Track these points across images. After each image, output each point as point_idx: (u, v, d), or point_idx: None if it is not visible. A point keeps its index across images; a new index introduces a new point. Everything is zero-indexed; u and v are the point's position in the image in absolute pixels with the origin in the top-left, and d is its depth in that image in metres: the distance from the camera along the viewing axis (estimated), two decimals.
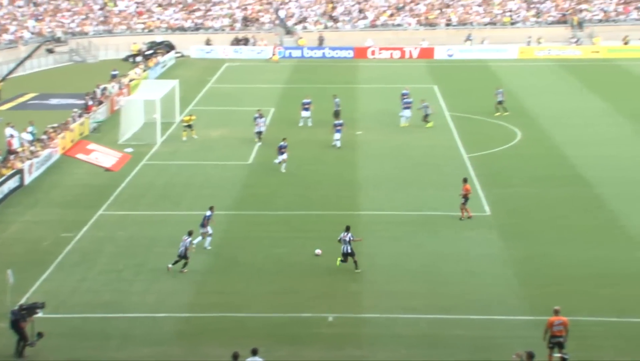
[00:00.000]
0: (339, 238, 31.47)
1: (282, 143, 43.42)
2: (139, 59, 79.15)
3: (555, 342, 24.65)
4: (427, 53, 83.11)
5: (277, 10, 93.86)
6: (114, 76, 66.82)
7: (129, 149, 48.01)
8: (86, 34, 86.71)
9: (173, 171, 44.62)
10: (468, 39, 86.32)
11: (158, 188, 41.66)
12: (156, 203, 39.48)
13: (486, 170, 44.11)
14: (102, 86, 59.87)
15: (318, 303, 28.90)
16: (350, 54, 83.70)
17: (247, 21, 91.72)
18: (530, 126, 53.65)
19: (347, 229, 31.49)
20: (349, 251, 31.17)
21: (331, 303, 28.88)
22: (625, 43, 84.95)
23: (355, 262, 31.32)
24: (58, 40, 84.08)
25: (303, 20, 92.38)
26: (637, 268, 31.74)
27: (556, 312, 24.87)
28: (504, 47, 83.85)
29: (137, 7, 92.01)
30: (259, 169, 45.00)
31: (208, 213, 33.77)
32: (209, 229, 33.48)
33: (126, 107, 52.33)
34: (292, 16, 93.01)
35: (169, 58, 79.55)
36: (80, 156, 46.93)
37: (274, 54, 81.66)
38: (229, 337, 26.53)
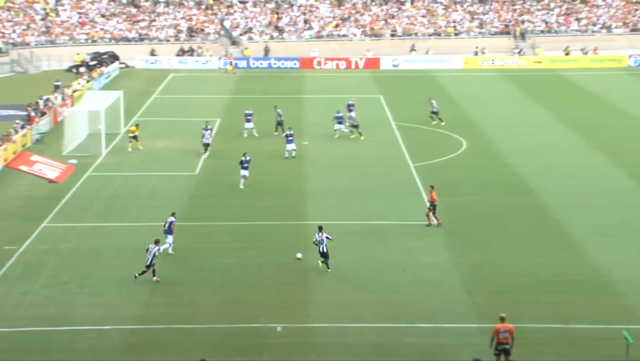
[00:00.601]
0: (314, 240, 32.30)
1: (243, 158, 42.00)
2: (82, 69, 78.30)
3: (502, 349, 24.97)
4: (372, 63, 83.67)
5: (222, 20, 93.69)
6: (57, 87, 66.03)
7: (73, 161, 47.43)
8: (28, 44, 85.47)
9: (118, 183, 44.21)
10: (412, 49, 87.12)
11: (103, 200, 41.25)
12: (101, 214, 39.06)
13: (433, 179, 44.24)
14: (45, 97, 59.12)
15: (266, 313, 28.84)
16: (296, 64, 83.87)
17: (192, 32, 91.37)
18: (476, 136, 54.31)
19: (320, 229, 32.28)
20: (326, 250, 31.98)
21: (279, 313, 28.85)
22: (567, 54, 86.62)
23: (327, 264, 32.08)
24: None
25: (248, 30, 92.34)
26: (581, 276, 32.31)
27: (502, 319, 25.19)
28: (448, 58, 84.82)
29: (80, 17, 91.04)
30: (205, 180, 44.80)
31: (172, 218, 33.88)
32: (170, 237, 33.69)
33: (70, 118, 51.74)
34: (237, 27, 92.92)
35: (113, 69, 78.82)
36: (23, 167, 46.16)
37: (230, 65, 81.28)
38: (177, 349, 26.33)
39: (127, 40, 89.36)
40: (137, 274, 31.30)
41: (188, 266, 32.83)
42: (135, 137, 50.90)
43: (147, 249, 31.24)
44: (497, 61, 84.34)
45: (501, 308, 27.59)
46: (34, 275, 31.94)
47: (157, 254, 31.10)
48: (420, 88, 73.23)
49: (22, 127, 51.76)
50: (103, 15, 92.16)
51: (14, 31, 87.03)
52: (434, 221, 37.01)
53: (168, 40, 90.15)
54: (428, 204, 37.30)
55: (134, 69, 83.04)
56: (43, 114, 56.11)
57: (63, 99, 60.66)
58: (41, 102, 58.19)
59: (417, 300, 30.01)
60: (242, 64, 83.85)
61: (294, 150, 48.15)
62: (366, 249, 34.66)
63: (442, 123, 56.65)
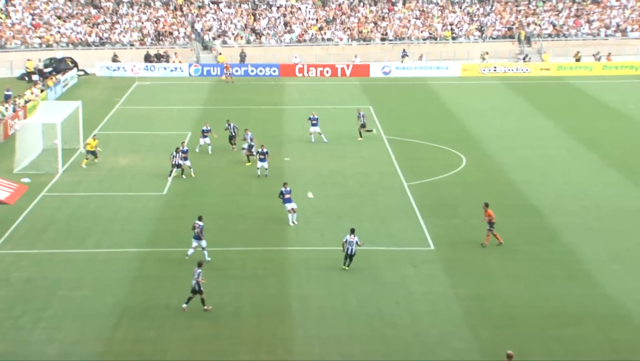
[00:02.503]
0: (343, 240, 34.94)
1: (284, 189, 40.99)
2: (35, 77, 78.22)
3: None
4: (360, 70, 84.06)
5: (192, 23, 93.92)
6: (7, 97, 65.90)
7: (26, 180, 47.31)
8: None
9: (77, 204, 44.14)
10: (405, 55, 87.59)
11: (60, 223, 41.15)
12: (58, 239, 38.97)
13: (428, 200, 44.68)
14: None
15: (243, 350, 28.82)
16: (275, 71, 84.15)
17: (159, 35, 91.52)
18: (476, 151, 54.62)
19: (352, 231, 35.14)
20: (353, 252, 34.83)
21: (258, 350, 28.85)
22: (577, 60, 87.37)
23: (351, 261, 35.00)
24: None
25: (222, 34, 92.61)
26: (595, 307, 32.47)
27: (509, 357, 25.26)
28: (445, 64, 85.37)
29: (33, 19, 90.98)
30: (175, 201, 44.81)
31: (201, 223, 35.76)
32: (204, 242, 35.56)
33: (22, 132, 51.62)
34: (209, 30, 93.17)
35: (70, 76, 78.79)
36: None
37: (225, 74, 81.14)
38: None
39: (86, 44, 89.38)
40: (184, 305, 31.35)
41: (157, 297, 32.76)
42: (93, 153, 50.93)
43: (193, 275, 31.47)
44: (499, 67, 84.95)
45: (506, 343, 27.67)
46: None
47: (200, 278, 31.19)
48: (414, 98, 73.62)
49: None
50: (59, 17, 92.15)
51: None
52: (496, 241, 37.82)
53: (132, 45, 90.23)
54: (487, 224, 37.95)
55: (94, 77, 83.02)
56: None
57: (14, 111, 60.54)
58: None
59: (413, 335, 30.07)
60: (215, 71, 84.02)
61: (266, 169, 48.21)
62: (355, 277, 34.71)
63: (360, 139, 57.04)
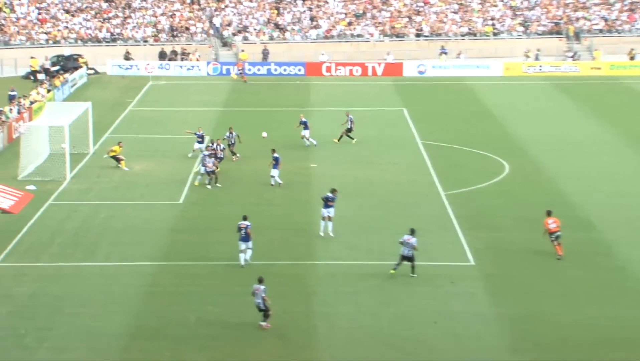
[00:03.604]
0: (401, 240, 35.55)
1: (330, 194, 40.69)
2: (42, 76, 78.73)
3: None
4: (393, 69, 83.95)
5: (211, 17, 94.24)
6: (11, 98, 66.37)
7: (31, 187, 47.55)
8: None
9: (86, 213, 44.29)
10: (442, 52, 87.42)
11: (68, 234, 41.29)
12: (65, 252, 39.09)
13: (468, 210, 44.48)
14: None
15: None
16: (301, 70, 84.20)
17: (174, 31, 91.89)
18: (520, 158, 54.37)
19: (412, 232, 35.92)
20: (410, 255, 35.41)
21: None
22: (631, 58, 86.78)
23: (413, 267, 35.67)
24: None
25: (243, 29, 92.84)
26: None
27: None
28: (485, 63, 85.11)
29: (40, 13, 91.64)
30: (191, 210, 44.88)
31: (247, 223, 36.73)
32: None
33: (27, 136, 51.92)
34: (229, 25, 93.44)
35: (79, 75, 79.25)
36: None
37: (240, 72, 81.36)
38: None
39: (96, 41, 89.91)
40: (263, 323, 31.45)
41: (170, 315, 32.77)
42: (117, 159, 51.23)
43: (253, 293, 31.45)
44: (545, 66, 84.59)
45: None
46: None
47: (264, 295, 31.29)
48: (452, 99, 73.45)
49: None
50: (67, 11, 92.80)
51: None
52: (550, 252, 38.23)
53: (146, 42, 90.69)
54: (552, 236, 38.19)
55: (105, 76, 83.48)
56: None
57: (19, 112, 60.93)
58: None
59: (451, 359, 29.83)
60: (236, 69, 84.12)
61: (273, 177, 48.06)
62: (387, 295, 34.57)
63: (336, 140, 57.24)
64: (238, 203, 45.65)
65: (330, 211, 40.46)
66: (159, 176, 50.35)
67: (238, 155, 52.70)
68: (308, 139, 56.43)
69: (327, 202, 40.43)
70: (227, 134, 52.91)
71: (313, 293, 34.65)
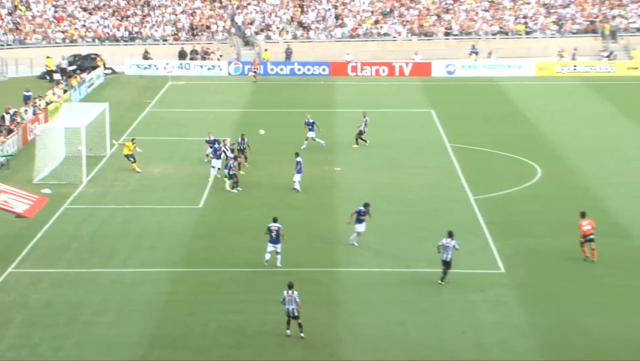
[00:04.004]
0: (439, 244, 35.69)
1: (363, 208, 40.21)
2: (57, 76, 79.13)
3: None
4: (421, 69, 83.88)
5: (232, 16, 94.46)
6: (27, 98, 66.71)
7: (47, 190, 47.78)
8: None
9: (103, 218, 44.48)
10: (473, 52, 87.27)
11: (84, 239, 41.48)
12: (81, 258, 39.25)
13: (498, 216, 44.37)
14: (11, 111, 59.72)
15: None
16: (325, 70, 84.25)
17: (195, 30, 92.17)
18: (553, 161, 54.20)
19: (451, 235, 35.80)
20: (449, 260, 35.59)
21: None
22: None
23: (445, 274, 35.79)
24: None
25: (266, 28, 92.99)
26: None
27: None
28: (517, 62, 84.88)
29: (56, 11, 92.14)
30: (211, 215, 44.97)
31: (278, 225, 37.13)
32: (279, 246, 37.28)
33: (42, 138, 52.16)
34: (251, 23, 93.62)
35: (96, 75, 79.60)
36: None
37: (254, 71, 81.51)
38: None
39: (114, 39, 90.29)
40: (302, 334, 31.33)
41: (191, 324, 32.84)
42: (132, 157, 51.46)
43: (284, 299, 31.45)
44: (579, 66, 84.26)
45: None
46: None
47: (299, 300, 31.31)
48: (483, 100, 73.29)
49: None
50: (84, 9, 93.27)
51: None
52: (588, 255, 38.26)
53: (165, 40, 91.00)
54: (584, 238, 38.24)
55: (123, 76, 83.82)
56: (9, 131, 56.68)
57: (34, 114, 61.24)
58: (7, 117, 58.79)
59: None
60: (259, 69, 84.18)
61: (294, 182, 48.05)
62: (415, 303, 34.54)
63: (355, 146, 57.15)
64: (259, 207, 45.68)
65: (363, 227, 40.04)
66: (177, 180, 50.48)
67: (246, 163, 52.02)
68: (314, 140, 56.26)
69: (360, 216, 39.94)
70: (239, 139, 52.57)
71: (338, 301, 34.64)
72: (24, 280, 36.78)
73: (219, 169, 49.94)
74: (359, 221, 39.99)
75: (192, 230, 42.77)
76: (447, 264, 35.82)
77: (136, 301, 34.57)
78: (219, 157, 49.90)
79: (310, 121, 56.69)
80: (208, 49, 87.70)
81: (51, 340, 31.65)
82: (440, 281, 35.89)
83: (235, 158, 48.39)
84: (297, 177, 47.98)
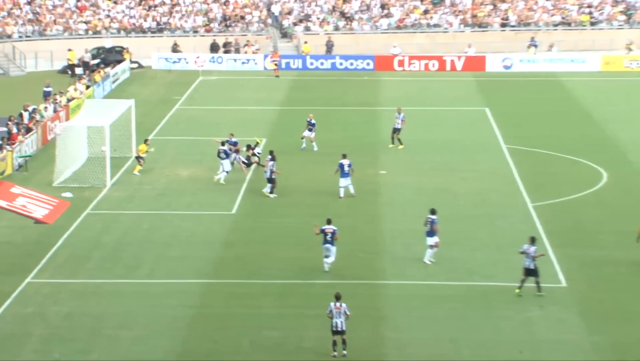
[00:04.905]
0: (521, 250, 35.94)
1: (431, 216, 39.55)
2: (80, 71, 79.63)
3: None
4: (475, 64, 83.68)
5: (269, 5, 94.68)
6: (46, 94, 67.14)
7: (68, 194, 48.10)
8: (9, 36, 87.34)
9: (128, 224, 44.73)
10: (532, 44, 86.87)
11: (107, 247, 41.73)
12: (104, 267, 39.49)
13: (559, 225, 44.15)
14: (30, 108, 60.16)
15: None
16: (369, 64, 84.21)
17: (228, 20, 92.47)
18: (620, 164, 53.97)
19: (533, 240, 36.21)
20: (534, 268, 35.69)
21: None
22: None
23: (537, 283, 35.82)
24: None
25: (305, 18, 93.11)
26: None
27: None
28: (581, 56, 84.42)
29: (78, 0, 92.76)
30: (244, 222, 45.10)
31: (333, 227, 37.90)
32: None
33: (63, 137, 52.48)
34: (289, 13, 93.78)
35: (121, 70, 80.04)
36: (0, 202, 46.94)
37: (275, 65, 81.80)
38: None
39: (140, 31, 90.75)
40: (344, 352, 31.27)
41: (222, 340, 32.93)
42: (141, 160, 52.01)
43: (330, 311, 31.42)
44: None
45: None
46: (14, 349, 32.32)
47: (347, 312, 31.37)
48: (542, 98, 72.94)
49: (0, 148, 52.75)
50: None
51: None
52: None
53: (196, 32, 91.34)
54: None
55: (150, 70, 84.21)
56: (28, 130, 57.12)
57: (55, 111, 61.66)
58: (26, 115, 59.24)
59: None
60: (297, 63, 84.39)
61: (349, 185, 48.03)
62: (467, 320, 34.44)
63: (401, 147, 56.83)
64: (297, 214, 45.76)
65: (436, 239, 39.36)
66: (208, 183, 50.60)
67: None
68: (311, 142, 56.30)
69: (433, 226, 39.33)
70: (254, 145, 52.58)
71: (383, 316, 34.62)
72: (43, 291, 37.06)
73: (227, 172, 50.05)
74: (432, 233, 39.36)
75: (224, 238, 42.89)
76: (530, 273, 35.92)
77: (163, 315, 34.71)
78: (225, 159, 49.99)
79: (312, 121, 56.68)
80: (248, 41, 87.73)
81: (72, 355, 31.86)
82: (517, 291, 35.93)
83: (273, 158, 48.28)
84: (342, 182, 47.82)
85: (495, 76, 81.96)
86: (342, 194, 47.93)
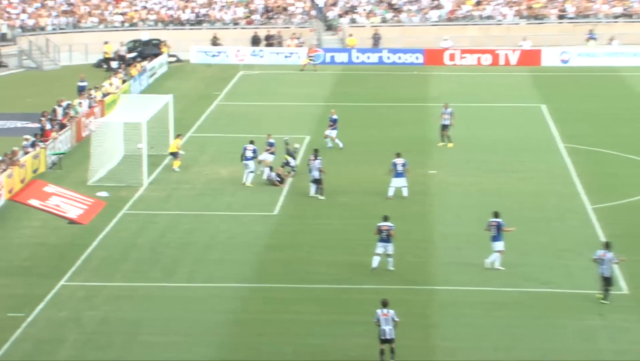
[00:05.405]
0: (594, 257, 35.72)
1: (497, 221, 39.19)
2: (115, 64, 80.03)
3: None
4: (530, 58, 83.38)
5: None
6: (81, 89, 67.54)
7: (103, 193, 48.34)
8: (42, 29, 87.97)
9: (165, 225, 44.88)
10: (591, 37, 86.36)
11: (144, 249, 41.89)
12: (141, 270, 39.64)
13: (620, 228, 43.82)
14: (64, 103, 60.52)
15: None
16: (419, 58, 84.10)
17: (270, 12, 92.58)
18: None
19: (607, 246, 36.02)
20: (609, 275, 35.58)
21: None
22: None
23: (607, 291, 35.58)
24: (3, 39, 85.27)
25: (351, 10, 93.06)
26: None
27: None
28: None
29: None
30: (287, 224, 45.16)
31: (389, 223, 38.37)
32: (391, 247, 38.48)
33: (98, 134, 52.77)
34: (334, 4, 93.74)
35: (159, 64, 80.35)
36: (33, 202, 47.15)
37: (312, 59, 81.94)
38: None
39: (179, 23, 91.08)
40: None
41: (263, 348, 32.95)
42: (176, 155, 52.29)
43: (377, 320, 31.29)
44: None
45: None
46: (47, 355, 32.45)
47: (396, 318, 31.25)
48: (603, 94, 72.57)
49: (33, 145, 53.10)
50: None
51: (23, 11, 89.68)
52: None
53: (237, 24, 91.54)
54: None
55: (189, 64, 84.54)
56: (62, 126, 57.46)
57: (89, 107, 62.01)
58: (59, 111, 59.60)
59: None
60: (342, 57, 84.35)
61: (404, 187, 47.90)
62: (522, 328, 34.24)
63: (450, 145, 56.64)
64: (342, 216, 45.72)
65: (501, 245, 39.08)
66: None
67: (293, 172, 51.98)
68: (333, 140, 56.22)
69: (500, 230, 39.01)
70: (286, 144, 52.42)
71: (433, 324, 34.51)
72: (77, 294, 37.25)
73: (253, 172, 49.95)
74: (498, 238, 38.99)
75: (266, 240, 42.92)
76: (606, 281, 35.64)
77: (201, 321, 34.76)
78: (251, 159, 49.93)
79: (334, 117, 56.53)
80: (294, 33, 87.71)
81: None
82: (602, 300, 35.69)
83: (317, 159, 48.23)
84: (399, 182, 47.80)
85: (552, 70, 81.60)
86: (390, 194, 47.87)
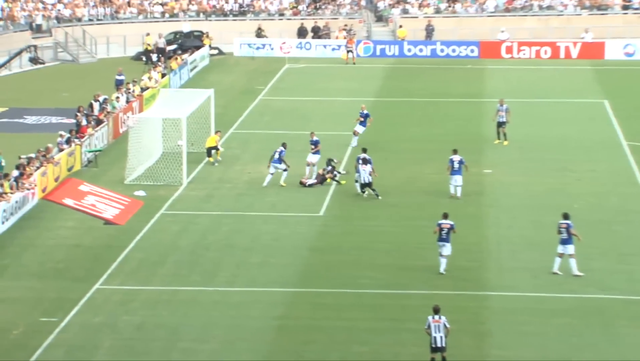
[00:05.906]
0: None
1: (567, 224, 38.88)
2: (155, 57, 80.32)
3: None
4: (593, 51, 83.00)
5: None
6: (119, 83, 67.84)
7: (140, 193, 48.55)
8: (79, 19, 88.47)
9: (206, 226, 45.00)
10: None
11: (183, 252, 42.01)
12: (180, 273, 39.73)
13: None
14: (101, 98, 60.85)
15: None
16: (474, 51, 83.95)
17: (317, 2, 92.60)
18: None
19: None
20: None
21: None
22: None
23: None
24: (38, 31, 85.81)
25: (403, 0, 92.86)
26: None
27: None
28: None
29: None
30: (334, 225, 45.16)
31: (450, 221, 38.64)
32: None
33: (137, 130, 53.01)
34: None
35: (200, 56, 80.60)
36: (68, 201, 47.61)
37: (348, 49, 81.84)
38: None
39: (221, 14, 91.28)
40: None
41: (308, 355, 32.93)
42: (215, 149, 52.89)
43: (428, 327, 31.22)
44: None
45: None
46: None
47: (447, 325, 31.09)
48: None
49: (68, 141, 53.41)
50: None
51: (59, 1, 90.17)
52: None
53: (282, 15, 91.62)
54: None
55: (231, 57, 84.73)
56: (98, 122, 57.77)
57: (127, 101, 62.27)
58: (96, 106, 59.93)
59: None
60: (392, 50, 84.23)
61: (458, 186, 47.81)
62: (582, 337, 34.03)
63: (506, 143, 56.45)
64: (392, 217, 45.65)
65: (571, 248, 38.72)
66: (294, 182, 50.63)
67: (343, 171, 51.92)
68: (355, 136, 56.18)
69: (569, 232, 38.75)
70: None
71: (487, 332, 34.37)
72: (113, 298, 37.40)
73: (286, 170, 49.80)
74: (567, 241, 38.64)
75: (311, 243, 42.94)
76: None
77: (243, 327, 34.82)
78: (279, 162, 49.80)
79: (365, 112, 56.31)
80: (345, 25, 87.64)
81: None
82: None
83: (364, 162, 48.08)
84: (453, 180, 47.74)
85: (616, 64, 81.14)
86: (452, 191, 47.81)
